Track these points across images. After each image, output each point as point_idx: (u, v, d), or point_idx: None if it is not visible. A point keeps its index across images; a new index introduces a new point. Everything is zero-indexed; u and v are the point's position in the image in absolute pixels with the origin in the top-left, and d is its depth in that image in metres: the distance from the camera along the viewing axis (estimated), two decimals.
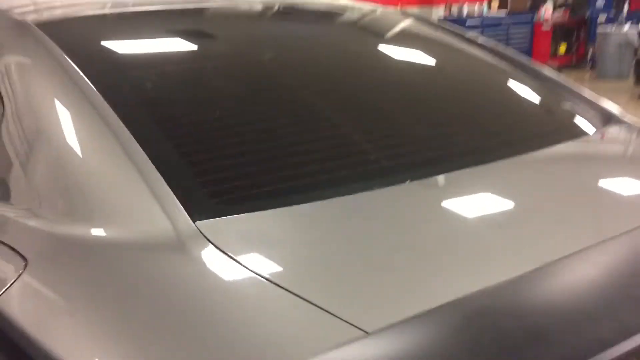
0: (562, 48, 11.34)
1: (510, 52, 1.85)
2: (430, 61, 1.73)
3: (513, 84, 1.71)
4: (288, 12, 1.86)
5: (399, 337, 0.68)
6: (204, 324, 0.76)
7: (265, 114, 1.28)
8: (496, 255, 0.90)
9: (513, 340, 0.69)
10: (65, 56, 1.22)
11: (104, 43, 1.42)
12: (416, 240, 0.95)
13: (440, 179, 1.14)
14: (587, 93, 1.68)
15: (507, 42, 10.41)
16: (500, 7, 10.65)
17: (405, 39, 1.83)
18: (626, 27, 10.36)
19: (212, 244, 0.86)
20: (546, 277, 0.82)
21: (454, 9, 10.29)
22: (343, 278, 0.84)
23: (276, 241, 0.93)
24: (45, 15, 1.53)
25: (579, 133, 1.49)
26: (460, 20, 9.97)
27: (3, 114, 1.22)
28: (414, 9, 9.98)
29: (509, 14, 10.59)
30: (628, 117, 1.63)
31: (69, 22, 1.50)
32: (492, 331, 0.71)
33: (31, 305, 0.87)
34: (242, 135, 1.19)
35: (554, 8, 11.13)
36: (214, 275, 0.84)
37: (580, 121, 1.56)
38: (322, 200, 1.01)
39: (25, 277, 0.90)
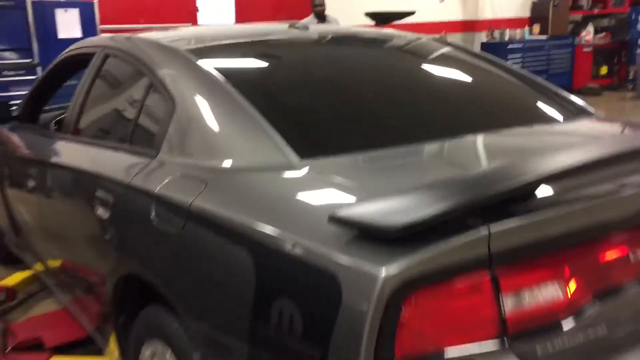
0: (604, 70, 11.74)
1: (512, 65, 2.51)
2: (449, 71, 2.43)
3: (510, 87, 2.37)
4: (351, 38, 2.61)
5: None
6: (309, 207, 1.44)
7: (346, 99, 2.00)
8: None
9: None
10: (208, 69, 1.95)
11: (230, 59, 2.17)
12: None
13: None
14: (570, 95, 2.33)
15: (548, 64, 10.91)
16: (541, 31, 11.15)
17: (431, 56, 2.53)
18: None
19: (311, 170, 1.55)
20: None
21: (497, 34, 10.85)
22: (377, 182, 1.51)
23: (344, 170, 1.60)
24: (184, 43, 2.27)
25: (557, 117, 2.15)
26: (502, 45, 10.53)
27: (167, 104, 1.94)
28: (457, 34, 10.63)
29: (550, 38, 11.08)
30: (597, 112, 2.25)
31: (202, 47, 2.24)
32: None
33: (216, 200, 1.57)
34: (327, 110, 1.90)
35: (595, 32, 11.57)
36: (313, 184, 1.52)
37: (557, 110, 2.20)
38: (371, 151, 1.68)
39: (210, 187, 1.61)
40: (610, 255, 1.36)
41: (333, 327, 1.18)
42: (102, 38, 2.81)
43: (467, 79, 2.41)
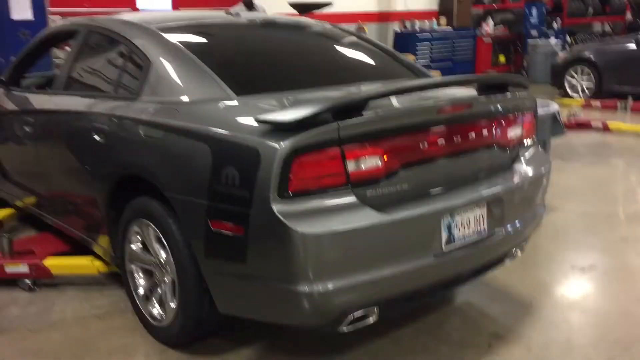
0: (502, 58, 13.26)
1: (387, 46, 3.65)
2: (344, 47, 3.56)
3: (385, 59, 3.50)
4: (273, 22, 3.67)
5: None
6: (242, 116, 2.46)
7: (268, 61, 3.08)
8: None
9: None
10: (172, 40, 2.93)
11: (186, 34, 3.13)
12: None
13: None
14: (417, 64, 3.47)
15: (453, 53, 12.28)
16: (447, 23, 12.51)
17: (330, 36, 3.62)
18: (552, 40, 12.30)
19: (242, 100, 2.57)
20: None
21: (408, 24, 12.10)
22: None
23: (263, 100, 2.61)
24: (151, 23, 3.21)
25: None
26: (412, 35, 11.79)
27: (144, 63, 2.90)
28: (373, 24, 11.80)
29: (455, 29, 12.45)
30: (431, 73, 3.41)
31: (165, 26, 3.19)
32: None
33: (186, 119, 2.57)
34: (254, 66, 2.94)
35: (494, 24, 13.04)
36: (244, 107, 2.55)
37: (410, 72, 3.34)
38: (282, 92, 2.72)
39: (181, 112, 2.61)
40: (414, 142, 2.44)
41: (256, 177, 2.20)
42: (84, 19, 3.71)
43: (355, 52, 3.51)
